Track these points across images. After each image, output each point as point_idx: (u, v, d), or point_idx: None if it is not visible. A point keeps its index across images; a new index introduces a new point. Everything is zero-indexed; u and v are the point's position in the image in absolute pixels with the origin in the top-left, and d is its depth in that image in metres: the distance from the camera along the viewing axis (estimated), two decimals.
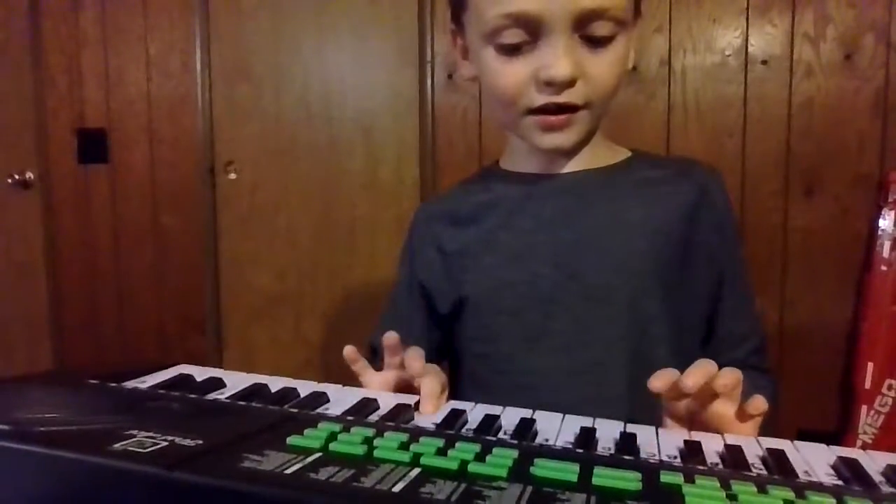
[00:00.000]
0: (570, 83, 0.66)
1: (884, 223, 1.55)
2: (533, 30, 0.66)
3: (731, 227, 0.79)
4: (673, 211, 0.75)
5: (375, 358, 0.69)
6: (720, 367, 0.77)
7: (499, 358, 0.77)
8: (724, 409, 0.54)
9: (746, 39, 1.68)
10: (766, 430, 0.55)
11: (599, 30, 0.66)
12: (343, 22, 2.02)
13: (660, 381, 0.51)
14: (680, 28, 1.72)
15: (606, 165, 0.78)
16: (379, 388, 0.64)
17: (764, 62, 1.67)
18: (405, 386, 0.63)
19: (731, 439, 0.48)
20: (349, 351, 0.65)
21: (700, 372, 0.51)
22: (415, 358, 0.60)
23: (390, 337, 0.63)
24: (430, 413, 0.53)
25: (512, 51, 0.67)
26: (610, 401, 0.71)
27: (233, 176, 2.16)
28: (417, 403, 0.54)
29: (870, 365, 1.53)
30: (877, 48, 1.59)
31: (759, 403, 0.53)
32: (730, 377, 0.52)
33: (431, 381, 0.56)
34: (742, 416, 0.54)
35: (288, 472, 0.36)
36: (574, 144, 0.72)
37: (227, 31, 2.12)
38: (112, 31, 2.23)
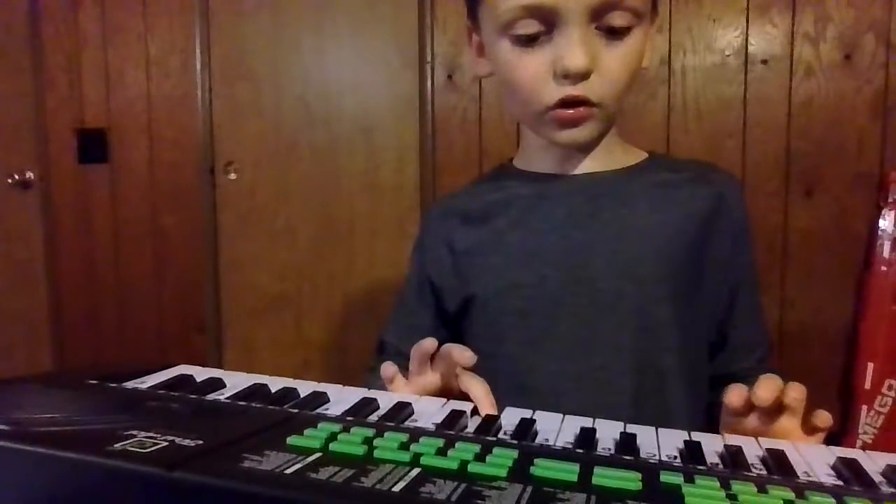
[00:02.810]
0: (586, 75, 0.65)
1: (884, 223, 1.55)
2: (549, 20, 0.65)
3: (746, 236, 0.78)
4: (688, 217, 0.74)
5: (383, 355, 0.68)
6: (733, 374, 0.77)
7: (503, 358, 0.76)
8: (790, 424, 0.54)
9: (746, 39, 1.68)
10: None
11: (616, 20, 0.65)
12: (343, 22, 2.02)
13: (736, 395, 0.52)
14: (680, 28, 1.72)
15: (621, 167, 0.77)
16: (411, 391, 0.61)
17: (764, 62, 1.67)
18: (444, 390, 0.61)
19: (731, 439, 0.48)
20: (388, 369, 0.61)
21: (771, 385, 0.52)
22: (460, 349, 0.58)
23: (429, 343, 0.60)
24: (494, 412, 0.52)
25: (527, 42, 0.67)
26: (614, 407, 0.70)
27: (233, 176, 2.16)
28: (474, 409, 0.53)
29: (870, 365, 1.53)
30: (877, 48, 1.59)
31: (825, 417, 0.54)
32: (798, 391, 0.53)
33: (479, 383, 0.56)
34: (809, 429, 0.54)
35: (288, 471, 0.36)
36: (590, 140, 0.72)
37: (227, 31, 2.12)
38: (112, 31, 2.23)
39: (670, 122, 1.74)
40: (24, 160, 2.33)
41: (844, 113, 1.62)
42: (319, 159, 2.08)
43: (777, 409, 0.54)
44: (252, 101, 2.12)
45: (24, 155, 2.33)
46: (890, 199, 1.55)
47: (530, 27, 0.66)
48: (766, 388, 0.52)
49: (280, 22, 2.07)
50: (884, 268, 1.54)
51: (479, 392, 0.55)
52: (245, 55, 2.11)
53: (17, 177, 2.33)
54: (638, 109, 1.75)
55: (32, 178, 2.33)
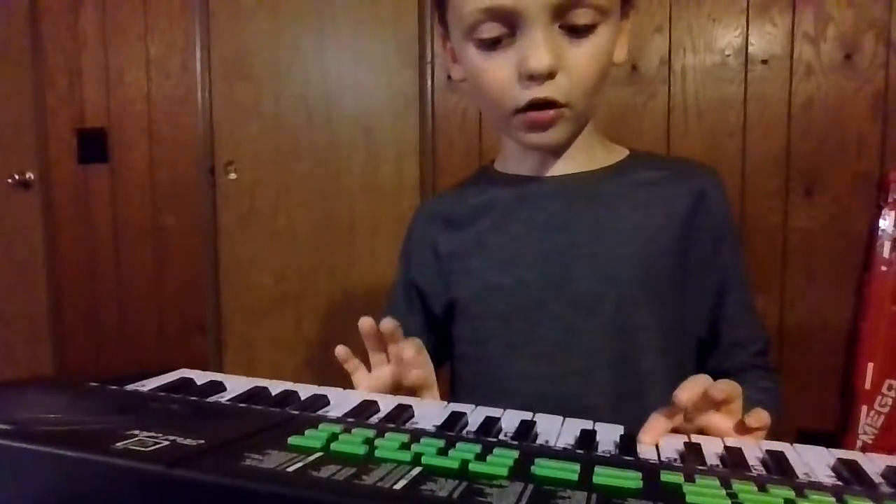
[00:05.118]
0: (551, 75, 0.64)
1: (884, 223, 1.54)
2: (510, 22, 0.64)
3: (730, 232, 0.77)
4: (667, 216, 0.73)
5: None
6: (726, 371, 0.76)
7: (485, 361, 0.76)
8: (722, 422, 0.53)
9: (746, 39, 1.68)
10: (770, 428, 0.54)
11: (579, 18, 0.64)
12: (343, 22, 2.02)
13: (686, 392, 0.50)
14: (680, 28, 1.72)
15: (601, 168, 0.76)
16: (368, 387, 0.64)
17: (764, 62, 1.67)
18: (396, 385, 0.63)
19: (732, 442, 0.48)
20: (340, 351, 0.65)
21: (692, 385, 0.50)
22: (408, 346, 0.61)
23: (388, 323, 0.63)
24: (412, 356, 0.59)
25: (491, 45, 0.66)
26: (594, 409, 0.69)
27: (233, 176, 2.16)
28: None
29: (870, 365, 1.52)
30: (877, 48, 1.59)
31: (760, 416, 0.52)
32: (727, 385, 0.51)
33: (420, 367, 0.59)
34: (742, 429, 0.52)
35: (289, 470, 0.36)
36: (561, 142, 0.71)
37: (227, 31, 2.12)
38: (112, 31, 2.23)
39: (670, 122, 1.74)
40: (24, 160, 2.33)
41: (844, 113, 1.62)
42: (319, 159, 2.08)
43: (708, 407, 0.52)
44: (252, 101, 2.12)
45: (24, 155, 2.33)
46: (890, 199, 1.54)
47: (493, 30, 0.65)
48: (687, 388, 0.50)
49: (280, 22, 2.07)
50: (884, 268, 1.53)
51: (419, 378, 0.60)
52: (245, 55, 2.11)
53: (17, 177, 2.33)
54: (638, 109, 1.75)
55: (32, 178, 2.33)
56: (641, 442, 0.48)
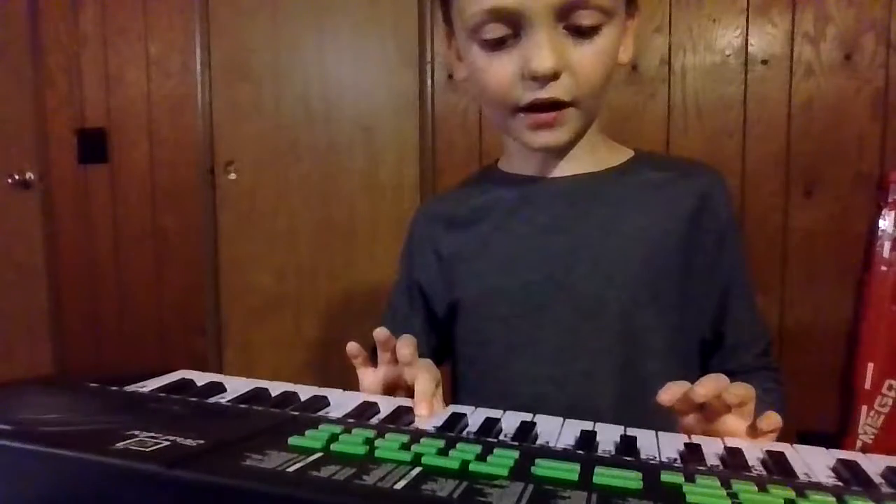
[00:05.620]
0: (555, 76, 0.64)
1: (884, 223, 1.55)
2: (514, 23, 0.64)
3: (733, 232, 0.77)
4: (671, 218, 0.73)
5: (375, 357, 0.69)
6: (730, 372, 0.76)
7: (488, 363, 0.76)
8: (735, 424, 0.53)
9: (746, 39, 1.68)
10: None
11: (584, 19, 0.63)
12: (343, 22, 2.02)
13: (667, 394, 0.51)
14: (680, 28, 1.72)
15: (606, 168, 0.76)
16: (372, 384, 0.63)
17: (764, 62, 1.67)
18: (399, 382, 0.63)
19: (731, 442, 0.48)
20: (352, 347, 0.64)
21: (711, 383, 0.51)
22: (405, 345, 0.59)
23: (380, 332, 0.62)
24: (425, 416, 0.51)
25: (495, 46, 0.66)
26: (598, 411, 0.69)
27: (233, 176, 2.16)
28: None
29: (870, 365, 1.53)
30: (877, 48, 1.59)
31: (772, 420, 0.52)
32: (742, 389, 0.51)
33: (424, 380, 0.54)
34: (754, 432, 0.52)
35: (289, 470, 0.36)
36: (565, 143, 0.71)
37: (227, 31, 2.12)
38: (112, 31, 2.24)
39: (670, 122, 1.74)
40: (24, 160, 2.33)
41: (844, 113, 1.62)
42: (319, 159, 2.08)
43: (723, 408, 0.52)
44: (252, 101, 2.12)
45: (24, 155, 2.33)
46: (890, 199, 1.55)
47: (497, 31, 0.65)
48: (705, 384, 0.50)
49: (280, 22, 2.07)
50: (884, 268, 1.54)
51: (420, 387, 0.54)
52: (245, 55, 2.11)
53: (17, 177, 2.33)
54: (638, 109, 1.75)
55: (32, 178, 2.33)
56: (661, 400, 0.50)
